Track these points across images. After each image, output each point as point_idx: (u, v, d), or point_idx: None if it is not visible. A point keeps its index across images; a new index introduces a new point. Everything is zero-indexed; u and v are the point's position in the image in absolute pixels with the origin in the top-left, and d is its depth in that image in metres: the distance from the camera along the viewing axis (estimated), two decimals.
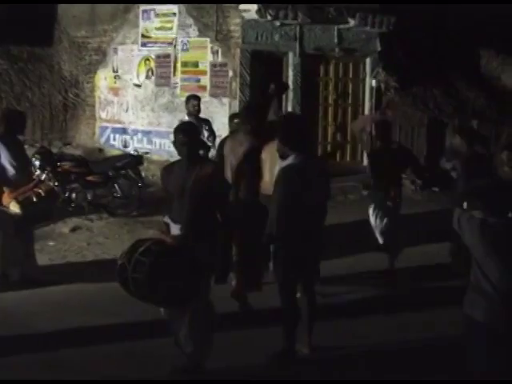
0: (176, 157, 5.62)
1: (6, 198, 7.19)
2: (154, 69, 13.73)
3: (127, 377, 5.25)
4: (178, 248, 5.02)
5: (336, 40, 13.41)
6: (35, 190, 7.38)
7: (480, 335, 4.28)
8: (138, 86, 13.97)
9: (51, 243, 9.05)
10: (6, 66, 14.28)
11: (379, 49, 13.95)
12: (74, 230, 9.71)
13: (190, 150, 5.18)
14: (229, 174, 6.64)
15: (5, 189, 7.22)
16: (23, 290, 7.17)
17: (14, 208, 7.16)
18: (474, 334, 4.33)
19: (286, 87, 12.41)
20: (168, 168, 5.48)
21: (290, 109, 12.93)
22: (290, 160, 5.57)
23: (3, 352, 5.63)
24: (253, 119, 6.86)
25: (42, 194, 7.39)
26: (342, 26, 13.39)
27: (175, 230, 5.20)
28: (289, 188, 5.50)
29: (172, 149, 13.26)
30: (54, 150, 11.31)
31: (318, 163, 5.95)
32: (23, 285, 7.27)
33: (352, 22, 13.37)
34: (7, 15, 13.39)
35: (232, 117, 9.76)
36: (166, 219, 5.32)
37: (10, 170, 7.30)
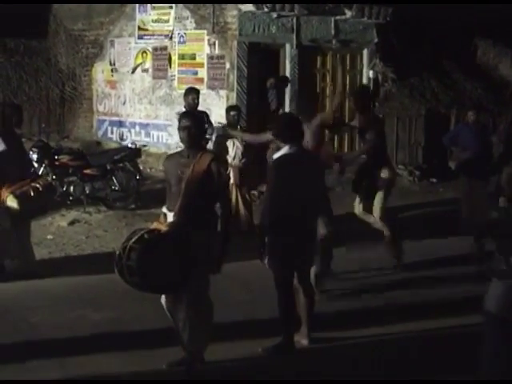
0: (173, 150, 5.64)
1: (3, 193, 7.19)
2: (151, 61, 13.70)
3: (127, 370, 5.26)
4: (169, 235, 5.04)
5: (333, 31, 13.39)
6: (33, 184, 7.37)
7: (495, 327, 4.32)
8: (133, 72, 13.90)
9: (50, 237, 9.06)
10: (3, 59, 14.26)
11: (376, 40, 13.93)
12: (72, 223, 9.72)
13: (191, 136, 5.19)
14: None
15: (2, 183, 7.22)
16: (21, 284, 7.18)
17: (11, 203, 7.15)
18: (489, 327, 4.36)
19: (287, 81, 12.39)
20: (170, 157, 5.51)
21: (287, 101, 12.93)
22: (282, 151, 5.71)
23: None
24: None
25: (40, 188, 7.39)
26: (338, 18, 13.37)
27: (171, 218, 5.23)
28: (280, 177, 5.59)
29: (170, 141, 13.32)
30: (52, 144, 11.30)
31: (311, 157, 5.99)
32: (20, 278, 7.28)
33: (349, 13, 13.35)
34: (2, 8, 13.34)
35: (229, 109, 9.82)
36: (164, 209, 5.35)
37: (8, 164, 7.29)
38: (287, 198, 5.57)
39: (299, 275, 5.77)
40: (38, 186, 7.37)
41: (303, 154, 5.81)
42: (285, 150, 5.69)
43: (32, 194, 7.26)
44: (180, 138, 5.33)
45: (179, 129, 5.27)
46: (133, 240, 4.93)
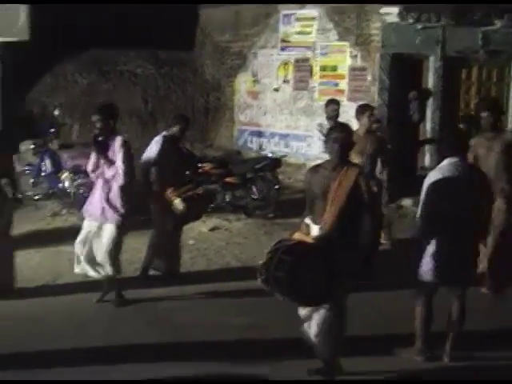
0: (312, 161, 5.66)
1: (168, 195, 7.54)
2: (292, 73, 13.87)
3: (267, 376, 5.34)
4: (318, 248, 5.09)
5: (480, 42, 13.03)
6: (196, 190, 7.84)
7: None
8: (276, 90, 14.14)
9: (191, 242, 9.34)
10: (153, 70, 14.86)
11: None
12: (213, 229, 9.98)
13: (342, 148, 5.20)
14: None
15: (167, 187, 7.56)
16: (167, 287, 7.45)
17: (179, 205, 7.51)
18: None
19: (430, 93, 12.19)
20: (313, 169, 5.50)
21: (429, 114, 12.71)
22: (441, 164, 5.72)
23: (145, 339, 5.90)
24: None
25: (202, 194, 7.91)
26: (487, 28, 13.00)
27: (315, 231, 5.26)
28: (432, 189, 5.58)
29: (309, 152, 13.36)
30: (196, 152, 11.66)
31: (473, 172, 5.83)
32: (167, 280, 7.58)
33: (499, 24, 12.94)
34: (153, 21, 13.93)
35: (328, 103, 9.86)
36: (307, 220, 5.39)
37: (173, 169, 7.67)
38: (440, 210, 5.53)
39: (456, 290, 5.72)
40: (200, 192, 7.80)
41: (464, 166, 5.68)
42: (444, 162, 5.68)
43: (196, 198, 7.67)
44: (329, 149, 5.33)
45: (329, 140, 5.29)
46: (281, 250, 4.99)
